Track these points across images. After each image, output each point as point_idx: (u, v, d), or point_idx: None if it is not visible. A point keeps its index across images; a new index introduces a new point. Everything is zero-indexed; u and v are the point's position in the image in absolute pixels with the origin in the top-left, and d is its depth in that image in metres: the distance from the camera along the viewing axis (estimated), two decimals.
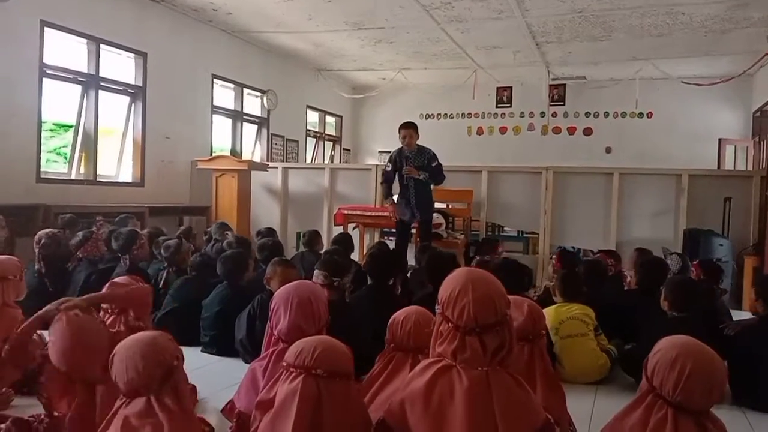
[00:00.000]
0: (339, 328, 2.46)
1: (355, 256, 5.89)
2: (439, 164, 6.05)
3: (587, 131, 11.81)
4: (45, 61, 6.46)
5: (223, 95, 9.58)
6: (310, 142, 12.11)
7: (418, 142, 6.10)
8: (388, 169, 6.17)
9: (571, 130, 11.90)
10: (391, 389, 2.06)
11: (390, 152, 6.59)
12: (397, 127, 6.10)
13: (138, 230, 4.58)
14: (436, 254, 4.43)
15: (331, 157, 12.90)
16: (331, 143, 13.06)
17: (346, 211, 7.24)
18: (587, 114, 11.80)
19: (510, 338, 1.79)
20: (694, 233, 6.39)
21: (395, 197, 6.24)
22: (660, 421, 1.71)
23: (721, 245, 6.09)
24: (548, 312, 3.51)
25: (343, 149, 13.25)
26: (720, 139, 10.66)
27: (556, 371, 3.21)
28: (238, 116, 9.89)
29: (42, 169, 6.54)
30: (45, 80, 6.51)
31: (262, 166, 8.35)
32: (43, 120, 6.53)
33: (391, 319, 2.30)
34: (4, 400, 2.63)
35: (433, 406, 1.72)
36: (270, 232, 6.04)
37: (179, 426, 1.75)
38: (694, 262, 4.74)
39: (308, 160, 11.78)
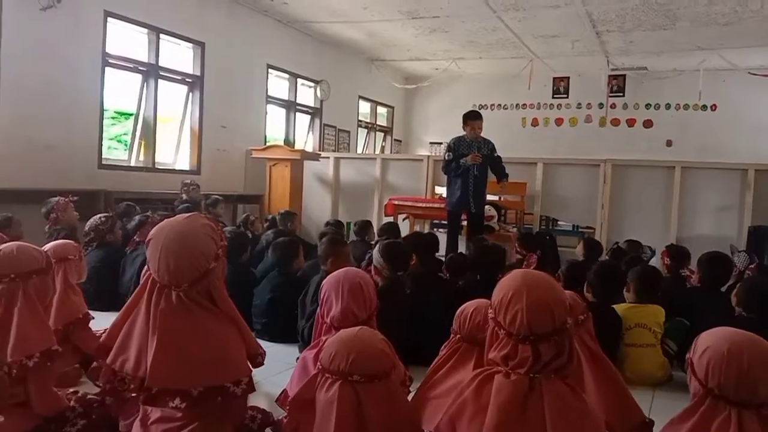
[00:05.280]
0: (388, 317, 2.46)
1: None
2: (500, 156, 5.97)
3: (647, 123, 11.42)
4: (107, 50, 6.64)
5: (278, 85, 9.67)
6: (362, 132, 12.15)
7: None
8: (449, 157, 5.92)
9: (631, 123, 11.53)
10: (455, 380, 2.01)
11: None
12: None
13: None
14: (485, 246, 4.39)
15: (382, 148, 12.89)
16: (383, 134, 13.05)
17: (396, 202, 7.22)
18: (648, 106, 11.41)
19: (570, 347, 1.66)
20: (761, 231, 6.14)
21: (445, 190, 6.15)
22: (723, 422, 1.60)
23: None
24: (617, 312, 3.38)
25: (394, 140, 13.22)
26: None
27: None
28: (291, 106, 9.97)
29: (103, 156, 6.74)
30: (107, 69, 6.69)
31: (314, 156, 8.40)
32: (104, 108, 6.73)
33: (459, 310, 2.25)
34: (74, 377, 2.70)
35: (480, 416, 1.63)
36: (337, 224, 6.08)
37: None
38: (751, 265, 4.53)
39: (359, 151, 11.80)
